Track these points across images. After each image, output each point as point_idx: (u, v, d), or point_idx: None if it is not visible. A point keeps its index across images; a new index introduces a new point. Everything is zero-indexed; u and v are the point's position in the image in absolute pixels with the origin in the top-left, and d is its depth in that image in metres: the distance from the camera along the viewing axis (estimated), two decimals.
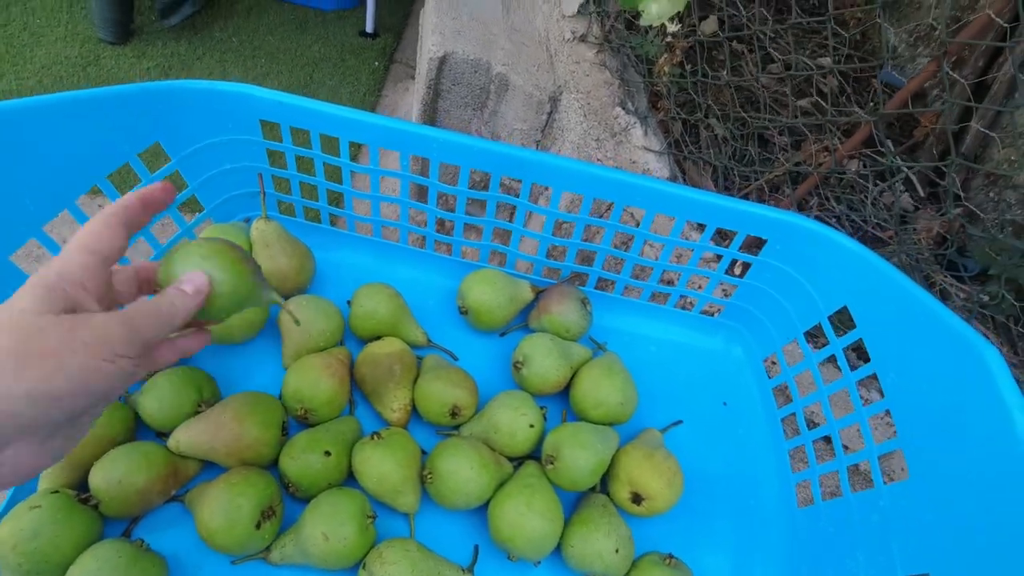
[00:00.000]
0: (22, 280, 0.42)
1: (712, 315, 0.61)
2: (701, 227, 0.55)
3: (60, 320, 0.24)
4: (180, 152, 0.52)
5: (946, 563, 0.36)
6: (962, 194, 1.14)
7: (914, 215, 1.21)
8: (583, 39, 1.19)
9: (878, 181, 1.16)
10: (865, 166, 1.17)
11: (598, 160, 0.98)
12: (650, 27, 1.21)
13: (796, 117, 1.03)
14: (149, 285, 0.33)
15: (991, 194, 1.25)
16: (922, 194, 1.22)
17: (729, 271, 0.57)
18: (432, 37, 1.16)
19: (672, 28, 0.46)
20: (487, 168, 0.51)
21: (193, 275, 0.31)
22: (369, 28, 1.84)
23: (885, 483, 0.42)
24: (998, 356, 0.37)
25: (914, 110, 0.74)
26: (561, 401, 0.55)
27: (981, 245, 1.10)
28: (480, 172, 0.52)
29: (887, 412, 0.45)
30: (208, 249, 0.32)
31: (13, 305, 0.24)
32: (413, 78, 1.85)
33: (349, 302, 0.55)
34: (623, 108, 1.08)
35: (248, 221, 0.60)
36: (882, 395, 0.44)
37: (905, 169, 1.12)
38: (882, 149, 0.88)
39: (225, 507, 0.41)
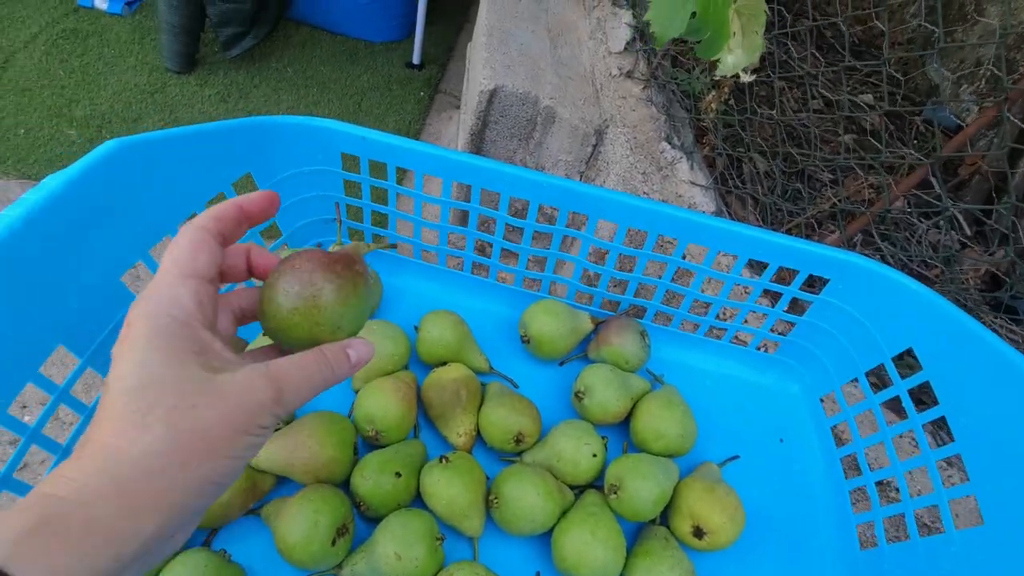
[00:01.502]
0: (130, 299, 0.45)
1: (768, 351, 0.62)
2: (763, 264, 0.56)
3: (206, 391, 0.22)
4: (268, 181, 0.55)
5: None
6: (1013, 234, 1.12)
7: (961, 254, 1.20)
8: (629, 75, 1.22)
9: (922, 219, 1.15)
10: (910, 204, 1.17)
11: (644, 193, 1.00)
12: (694, 63, 1.24)
13: (839, 154, 1.04)
14: (260, 272, 0.29)
15: None
16: (969, 233, 1.21)
17: (789, 308, 0.57)
18: (483, 71, 1.20)
19: (746, 78, 0.48)
20: (554, 203, 0.54)
21: (360, 345, 0.27)
22: (415, 60, 1.91)
23: (955, 527, 0.42)
24: None
25: (971, 153, 0.75)
26: (621, 432, 0.56)
27: None
28: (548, 206, 0.54)
29: (950, 459, 0.45)
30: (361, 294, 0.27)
31: (145, 365, 0.21)
32: (457, 108, 1.90)
33: (416, 327, 0.57)
34: (669, 143, 1.10)
35: (320, 246, 0.63)
36: (950, 439, 0.44)
37: (951, 209, 1.11)
38: (928, 190, 0.88)
39: (303, 523, 0.43)
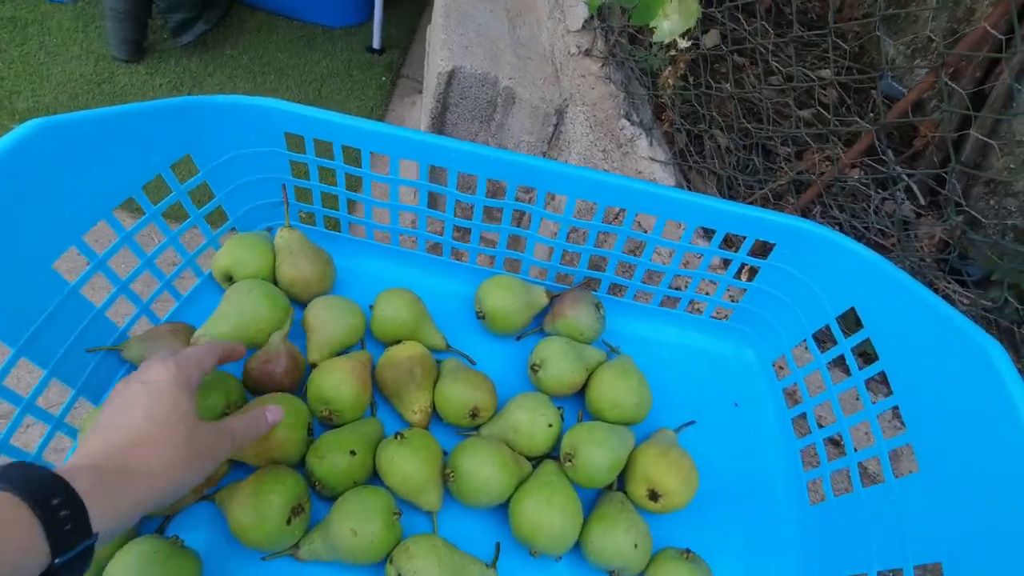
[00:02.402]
0: (62, 287, 0.44)
1: (722, 319, 0.63)
2: (709, 234, 0.56)
3: (207, 428, 0.36)
4: (209, 164, 0.54)
5: (957, 552, 0.38)
6: (963, 201, 1.15)
7: (916, 222, 1.23)
8: (588, 53, 1.22)
9: (879, 190, 1.18)
10: (866, 174, 1.19)
11: (604, 170, 1.00)
12: (652, 41, 1.24)
13: (798, 128, 1.06)
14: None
15: (991, 201, 1.27)
16: (923, 202, 1.24)
17: (737, 276, 0.58)
18: (441, 52, 1.19)
19: (682, 44, 0.48)
20: (503, 177, 0.53)
21: (275, 409, 0.42)
22: (376, 44, 1.88)
23: (896, 477, 0.44)
24: (1003, 352, 0.39)
25: (914, 120, 0.76)
26: (577, 402, 0.56)
27: (983, 251, 1.12)
28: (494, 181, 0.54)
29: (894, 413, 0.47)
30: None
31: (180, 405, 0.35)
32: (420, 92, 1.88)
33: (371, 306, 0.57)
34: (628, 120, 1.11)
35: (270, 231, 0.62)
36: (889, 393, 0.46)
37: (906, 178, 1.14)
38: (883, 158, 0.90)
39: (257, 504, 0.43)
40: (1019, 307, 0.96)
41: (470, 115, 1.26)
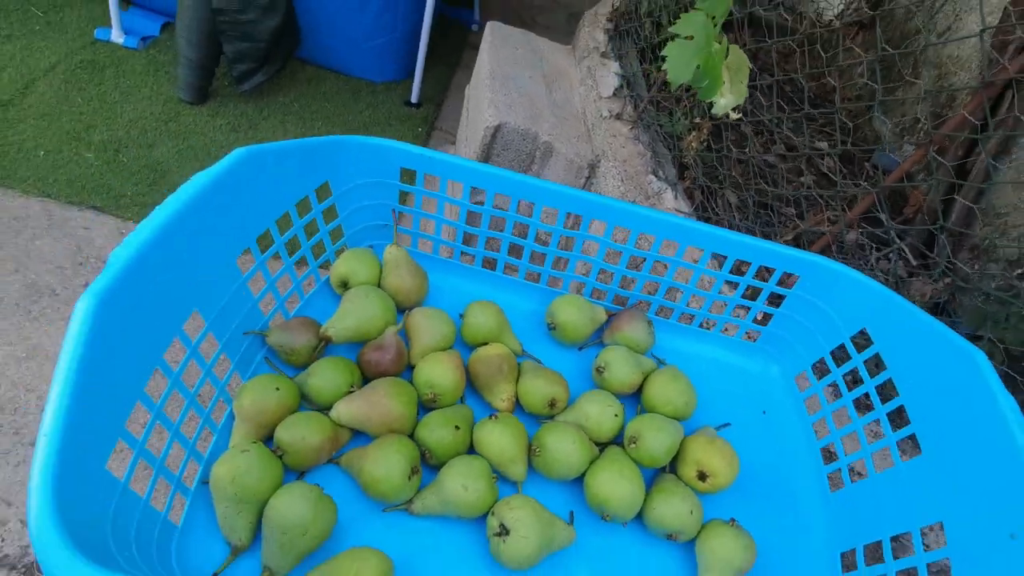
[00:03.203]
0: (237, 277, 0.54)
1: (751, 341, 0.74)
2: (744, 267, 0.68)
3: None
4: (339, 189, 0.66)
5: (956, 514, 0.48)
6: (952, 262, 1.29)
7: (908, 281, 1.36)
8: (618, 117, 1.38)
9: (875, 250, 1.32)
10: (864, 236, 1.33)
11: None
12: (675, 108, 1.41)
13: (800, 190, 1.20)
14: None
15: (976, 266, 1.40)
16: (913, 263, 1.38)
17: (768, 303, 0.70)
18: (488, 109, 1.34)
19: (735, 116, 0.61)
20: (588, 214, 0.66)
21: None
22: (414, 99, 2.06)
23: (903, 459, 0.54)
24: (985, 357, 0.50)
25: (908, 185, 0.90)
26: (633, 402, 0.67)
27: (970, 311, 1.24)
28: (574, 215, 0.66)
29: (899, 412, 0.57)
30: None
31: None
32: (451, 143, 2.04)
33: (461, 315, 0.68)
34: (655, 175, 1.25)
35: (372, 248, 0.73)
36: (896, 395, 0.57)
37: (898, 240, 1.28)
38: (879, 218, 1.04)
39: (386, 460, 0.53)
40: (1004, 359, 1.08)
41: (510, 164, 1.40)
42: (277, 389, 0.56)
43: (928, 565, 0.49)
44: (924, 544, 0.50)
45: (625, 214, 0.65)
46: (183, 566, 0.48)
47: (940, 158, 1.27)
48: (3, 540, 0.93)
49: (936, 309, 1.28)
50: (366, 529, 0.53)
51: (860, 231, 1.32)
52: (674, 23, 0.62)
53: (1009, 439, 0.44)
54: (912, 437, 0.54)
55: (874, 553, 0.54)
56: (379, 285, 0.69)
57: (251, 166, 0.53)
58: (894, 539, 0.52)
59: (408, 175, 0.69)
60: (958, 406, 0.50)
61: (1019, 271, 1.31)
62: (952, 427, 0.51)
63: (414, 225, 0.73)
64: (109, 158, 1.56)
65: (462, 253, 0.74)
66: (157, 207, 0.46)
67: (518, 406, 0.63)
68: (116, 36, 1.87)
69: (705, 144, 1.26)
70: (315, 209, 0.64)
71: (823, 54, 1.11)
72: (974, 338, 1.25)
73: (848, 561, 0.57)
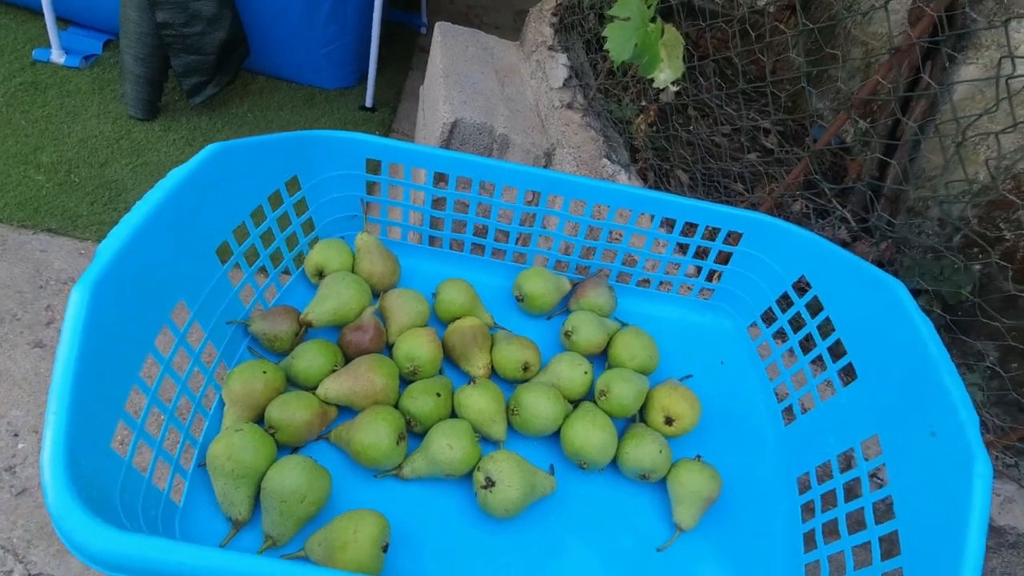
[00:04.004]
0: (218, 268, 0.57)
1: (705, 299, 0.80)
2: (693, 230, 0.74)
3: None
4: (309, 182, 0.69)
5: (888, 424, 0.54)
6: (890, 225, 1.38)
7: (853, 245, 1.46)
8: (569, 106, 1.43)
9: (818, 219, 1.41)
10: (807, 207, 1.42)
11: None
12: (623, 95, 1.47)
13: (745, 167, 1.28)
14: None
15: (912, 225, 1.51)
16: (856, 228, 1.47)
17: (717, 261, 0.76)
18: (444, 107, 1.38)
19: (674, 89, 0.67)
20: (546, 190, 0.70)
21: None
22: (368, 103, 2.07)
23: (842, 387, 0.60)
24: (902, 286, 0.57)
25: (837, 147, 0.98)
26: (601, 361, 0.71)
27: (909, 268, 1.34)
28: (532, 192, 0.70)
29: (838, 344, 0.63)
30: None
31: None
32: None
33: (434, 294, 0.71)
34: (608, 159, 1.31)
35: (343, 238, 0.76)
36: (833, 330, 0.63)
37: (840, 208, 1.37)
38: (819, 192, 1.11)
39: (374, 428, 0.56)
40: (943, 314, 1.17)
41: None
42: (264, 372, 0.59)
43: (869, 474, 0.55)
44: (864, 456, 0.56)
45: (579, 187, 0.70)
46: (187, 541, 0.50)
47: (869, 125, 1.36)
48: None
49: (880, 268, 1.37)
50: (360, 496, 0.57)
51: (804, 203, 1.41)
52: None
53: (925, 352, 0.50)
54: (849, 366, 0.60)
55: (824, 473, 0.60)
56: (353, 272, 0.72)
57: (224, 160, 0.56)
58: (842, 461, 0.58)
59: (373, 167, 0.72)
60: (884, 331, 0.57)
61: (948, 229, 1.41)
62: (881, 351, 0.57)
63: (382, 215, 0.76)
64: (61, 179, 1.54)
65: (430, 238, 0.78)
66: (138, 201, 0.48)
67: (494, 374, 0.67)
68: (56, 56, 1.83)
69: (653, 127, 1.33)
70: (286, 202, 0.67)
71: (756, 36, 1.18)
72: (915, 292, 1.35)
73: (803, 483, 0.63)
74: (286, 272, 0.71)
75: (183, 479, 0.53)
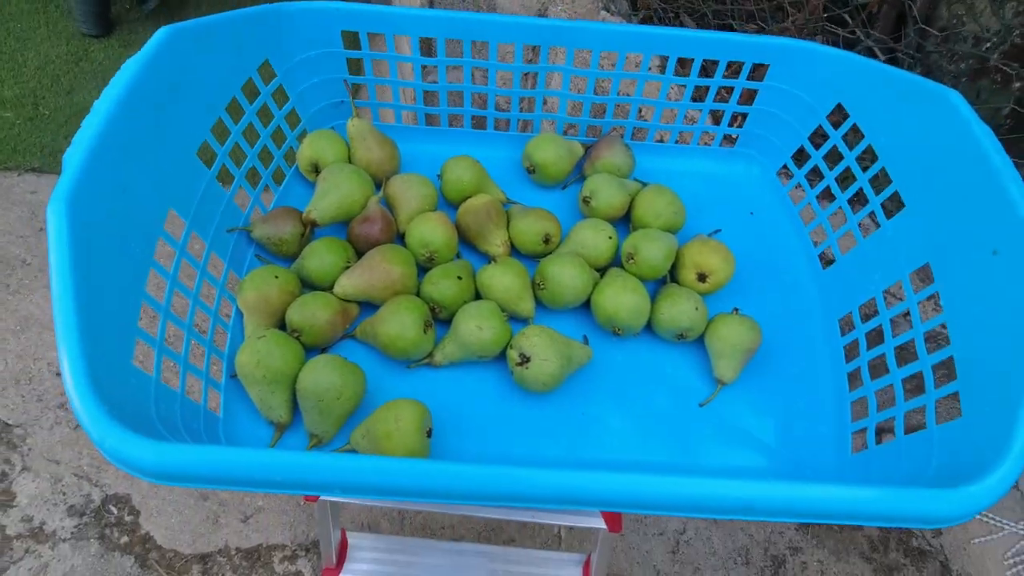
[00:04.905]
0: (205, 173, 0.53)
1: (730, 147, 0.74)
2: (712, 71, 0.67)
3: None
4: (283, 67, 0.62)
5: (941, 250, 0.50)
6: (919, 51, 1.26)
7: None
8: None
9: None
10: (828, 41, 1.29)
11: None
12: None
13: (759, 4, 1.15)
14: None
15: (944, 50, 1.38)
16: (883, 59, 1.35)
17: (742, 102, 0.69)
18: None
19: None
20: (537, 41, 0.62)
21: None
22: None
23: (887, 219, 0.56)
24: (959, 96, 0.50)
25: None
26: (624, 226, 0.68)
27: None
28: (531, 47, 0.63)
29: (883, 174, 0.58)
30: None
31: None
32: None
33: (439, 175, 0.67)
34: (607, 10, 1.18)
35: (333, 128, 0.70)
36: (876, 159, 0.58)
37: (864, 38, 1.24)
38: (844, 23, 1.00)
39: (399, 319, 0.54)
40: None
41: None
42: (276, 277, 0.56)
43: (919, 304, 0.52)
44: (913, 288, 0.53)
45: (582, 33, 0.62)
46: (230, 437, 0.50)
47: None
48: (64, 494, 0.97)
49: None
50: (396, 389, 0.56)
51: (825, 38, 1.28)
52: None
53: (986, 164, 0.46)
54: (895, 197, 0.56)
55: (869, 313, 0.58)
56: (350, 162, 0.67)
57: (181, 46, 0.50)
58: (887, 295, 0.56)
59: (352, 41, 0.64)
60: (937, 150, 0.51)
61: (987, 45, 1.29)
62: (933, 172, 0.52)
63: (371, 96, 0.70)
64: (29, 113, 1.45)
65: (427, 116, 0.71)
66: (96, 102, 0.43)
67: (514, 251, 0.64)
68: None
69: None
70: (263, 92, 0.60)
71: None
72: None
73: (845, 324, 0.61)
74: (280, 172, 0.66)
75: (217, 391, 0.52)
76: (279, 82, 0.63)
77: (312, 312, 0.54)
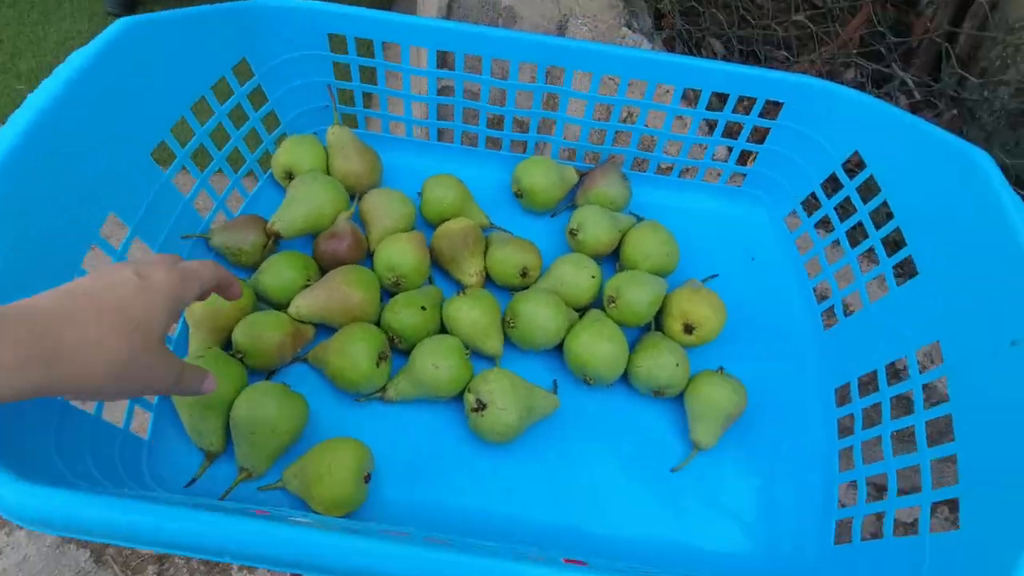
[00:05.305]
0: (159, 176, 0.49)
1: (736, 185, 0.69)
2: (723, 101, 0.62)
3: (163, 355, 0.33)
4: (262, 67, 0.59)
5: (954, 330, 0.45)
6: (957, 92, 1.19)
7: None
8: None
9: (875, 88, 1.22)
10: (861, 74, 1.23)
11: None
12: None
13: (791, 28, 1.09)
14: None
15: (985, 92, 1.30)
16: (918, 97, 1.28)
17: (752, 142, 0.64)
18: None
19: None
20: (536, 60, 0.58)
21: (212, 379, 0.38)
22: None
23: (897, 285, 0.51)
24: (990, 159, 0.45)
25: (911, 10, 0.80)
26: (612, 263, 0.63)
27: (978, 140, 1.16)
28: (529, 66, 0.59)
29: (896, 238, 0.53)
30: None
31: (157, 318, 0.31)
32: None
33: (419, 193, 0.62)
34: (629, 28, 1.14)
35: (316, 135, 0.67)
36: (891, 216, 0.52)
37: (900, 73, 1.18)
38: (879, 58, 0.93)
39: (350, 349, 0.50)
40: (1014, 191, 1.02)
41: None
42: None
43: (924, 387, 0.47)
44: (920, 369, 0.48)
45: (584, 55, 0.58)
46: (157, 477, 0.46)
47: None
48: None
49: None
50: (343, 422, 0.52)
51: (858, 71, 1.22)
52: None
53: (1013, 241, 0.40)
54: (908, 261, 0.50)
55: (868, 386, 0.52)
56: (328, 173, 0.63)
57: (142, 40, 0.46)
58: (891, 372, 0.50)
59: (340, 45, 0.61)
60: (958, 217, 0.46)
61: None
62: (951, 241, 0.46)
63: (357, 103, 0.66)
64: None
65: (415, 129, 0.67)
66: (31, 93, 0.40)
67: (489, 281, 0.60)
68: None
69: None
70: (237, 92, 0.57)
71: None
72: None
73: (843, 395, 0.55)
74: (254, 177, 0.63)
75: (148, 411, 0.49)
76: (257, 82, 0.59)
77: (259, 333, 0.50)
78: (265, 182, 0.64)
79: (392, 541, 0.27)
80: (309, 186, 0.58)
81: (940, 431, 0.44)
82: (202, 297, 0.37)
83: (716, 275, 0.63)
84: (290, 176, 0.62)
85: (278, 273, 0.54)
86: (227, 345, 0.52)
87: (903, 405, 0.49)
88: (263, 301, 0.56)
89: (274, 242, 0.57)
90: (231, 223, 0.57)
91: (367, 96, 0.65)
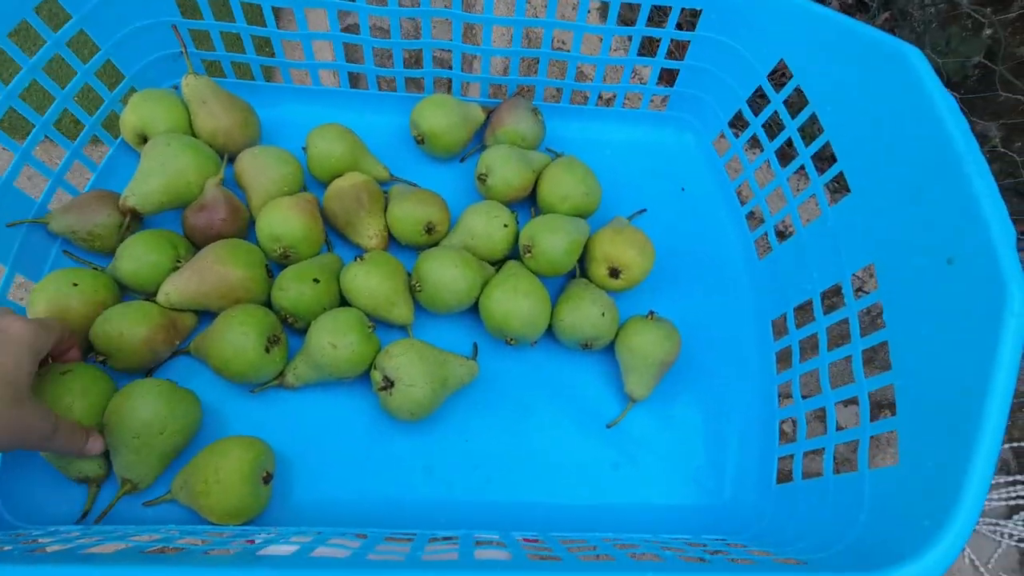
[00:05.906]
0: None
1: (660, 110, 0.63)
2: (634, 17, 0.55)
3: (34, 406, 0.34)
4: (82, 9, 0.48)
5: (888, 250, 0.41)
6: None
7: None
8: None
9: None
10: None
11: None
12: None
13: None
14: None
15: None
16: (850, 2, 1.23)
17: (670, 59, 0.57)
18: None
19: None
20: None
21: (99, 440, 0.39)
22: None
23: (829, 205, 0.47)
24: (923, 57, 0.40)
25: None
26: (528, 207, 0.57)
27: (911, 41, 1.13)
28: None
29: (825, 151, 0.49)
30: None
31: (22, 367, 0.33)
32: None
33: (303, 148, 0.54)
34: None
35: (176, 88, 0.57)
36: (822, 131, 0.48)
37: None
38: None
39: (232, 336, 0.43)
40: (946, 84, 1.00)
41: None
42: (75, 284, 0.44)
43: (860, 314, 0.44)
44: (855, 293, 0.45)
45: None
46: (12, 509, 0.40)
47: None
48: None
49: None
50: (242, 417, 0.46)
51: None
52: None
53: (947, 147, 0.36)
54: (840, 177, 0.46)
55: (805, 315, 0.49)
56: (193, 134, 0.54)
57: None
58: (826, 297, 0.47)
59: None
60: (891, 125, 0.41)
61: None
62: (884, 154, 0.42)
63: (216, 45, 0.56)
64: None
65: (292, 74, 0.58)
66: None
67: (394, 241, 0.53)
68: None
69: None
70: (50, 40, 0.47)
71: None
72: None
73: (779, 328, 0.52)
74: (100, 145, 0.53)
75: None
76: (79, 25, 0.49)
77: (120, 330, 0.43)
78: (117, 150, 0.55)
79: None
80: (164, 150, 0.49)
81: (880, 366, 0.41)
82: (56, 351, 0.40)
83: (644, 210, 0.58)
84: (145, 140, 0.53)
85: (138, 257, 0.46)
86: (87, 350, 0.44)
87: (843, 333, 0.46)
88: (128, 292, 0.48)
89: (132, 220, 0.49)
90: (75, 201, 0.48)
91: (231, 38, 0.56)
